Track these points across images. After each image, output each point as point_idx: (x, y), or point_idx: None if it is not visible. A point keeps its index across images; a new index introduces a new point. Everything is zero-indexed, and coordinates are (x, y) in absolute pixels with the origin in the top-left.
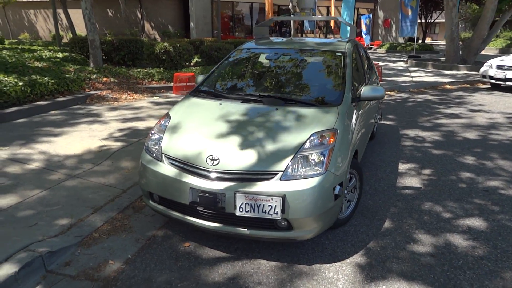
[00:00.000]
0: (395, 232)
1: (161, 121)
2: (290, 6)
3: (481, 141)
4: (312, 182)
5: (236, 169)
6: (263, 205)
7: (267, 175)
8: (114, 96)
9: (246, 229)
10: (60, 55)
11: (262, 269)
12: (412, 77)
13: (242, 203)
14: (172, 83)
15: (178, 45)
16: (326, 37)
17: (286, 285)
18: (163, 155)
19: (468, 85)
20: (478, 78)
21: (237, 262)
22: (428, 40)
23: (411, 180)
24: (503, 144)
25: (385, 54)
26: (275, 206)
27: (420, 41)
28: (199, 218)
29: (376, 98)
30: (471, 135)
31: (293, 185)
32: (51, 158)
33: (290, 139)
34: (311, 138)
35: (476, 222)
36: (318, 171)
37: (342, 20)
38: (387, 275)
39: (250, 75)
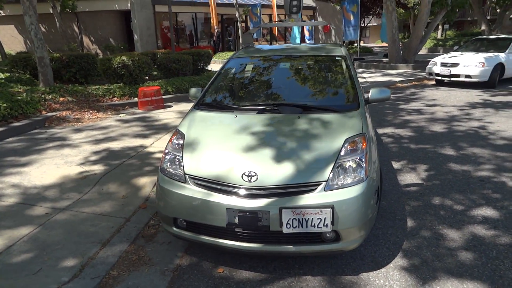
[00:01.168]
0: (421, 230)
1: (173, 139)
2: (237, 15)
3: (450, 134)
4: (357, 189)
5: (277, 184)
6: (312, 218)
7: (310, 187)
8: (76, 116)
9: (291, 246)
10: (1, 75)
11: (311, 285)
12: (364, 77)
13: (289, 219)
14: (136, 99)
15: (137, 58)
16: (270, 44)
17: None
18: (186, 176)
19: (416, 83)
20: (423, 76)
21: (282, 281)
22: (361, 43)
23: (410, 177)
24: (469, 134)
25: None
26: (325, 218)
27: (355, 44)
28: (237, 240)
29: (384, 100)
30: (439, 128)
31: (339, 195)
32: (27, 191)
33: (324, 147)
34: (345, 144)
35: (488, 212)
36: (360, 178)
37: (332, 26)
38: (435, 274)
39: (255, 84)
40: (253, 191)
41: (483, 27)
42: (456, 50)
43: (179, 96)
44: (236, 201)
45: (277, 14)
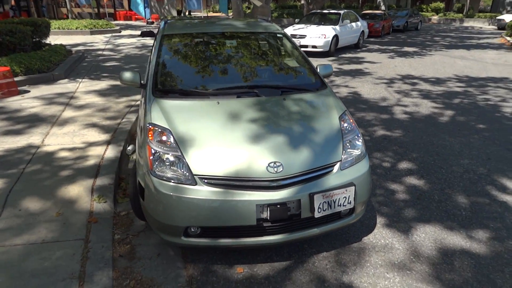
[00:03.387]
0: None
1: (155, 136)
2: None
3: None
4: (365, 164)
5: (302, 170)
6: (338, 198)
7: (329, 168)
8: None
9: (316, 229)
10: None
11: (333, 260)
12: None
13: (320, 203)
14: None
15: None
16: (98, 11)
17: (369, 260)
18: (195, 177)
19: None
20: None
21: (306, 264)
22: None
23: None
24: (350, 100)
25: None
26: (349, 196)
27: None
28: (263, 235)
29: (329, 75)
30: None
31: (354, 172)
32: None
33: (326, 127)
34: (341, 122)
35: (409, 165)
36: (362, 153)
37: None
38: (410, 224)
39: (211, 65)
40: (281, 181)
41: (302, 1)
42: (299, 23)
43: (32, 78)
44: (265, 195)
45: None
